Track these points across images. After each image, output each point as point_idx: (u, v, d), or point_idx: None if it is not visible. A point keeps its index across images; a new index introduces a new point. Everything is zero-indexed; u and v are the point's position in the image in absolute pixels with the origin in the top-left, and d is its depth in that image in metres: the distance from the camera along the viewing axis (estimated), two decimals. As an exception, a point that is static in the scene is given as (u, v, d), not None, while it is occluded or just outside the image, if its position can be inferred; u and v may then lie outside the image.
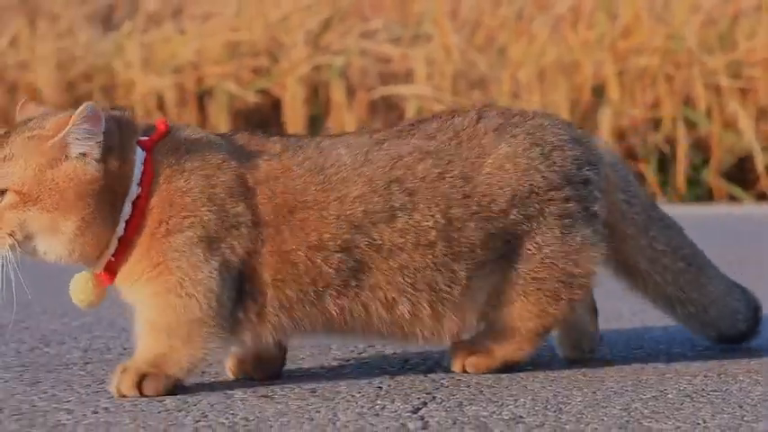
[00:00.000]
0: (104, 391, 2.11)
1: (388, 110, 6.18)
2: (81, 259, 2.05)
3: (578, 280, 2.15)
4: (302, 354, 2.35)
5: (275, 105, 6.22)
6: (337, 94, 6.03)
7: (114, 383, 2.07)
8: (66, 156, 2.00)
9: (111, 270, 2.06)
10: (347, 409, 1.95)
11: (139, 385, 2.05)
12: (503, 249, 2.11)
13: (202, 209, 2.02)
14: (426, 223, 2.08)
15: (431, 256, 2.08)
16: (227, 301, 2.02)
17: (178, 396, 2.06)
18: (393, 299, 2.09)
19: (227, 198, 2.02)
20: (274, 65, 6.18)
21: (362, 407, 1.97)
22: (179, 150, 2.05)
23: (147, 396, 2.04)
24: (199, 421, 1.90)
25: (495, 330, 2.17)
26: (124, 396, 2.04)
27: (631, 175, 2.28)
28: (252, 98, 6.04)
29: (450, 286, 2.09)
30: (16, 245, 2.01)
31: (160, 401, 2.02)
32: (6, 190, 2.00)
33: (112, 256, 2.04)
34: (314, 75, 6.13)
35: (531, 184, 2.12)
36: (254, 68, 6.20)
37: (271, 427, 1.85)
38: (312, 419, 1.88)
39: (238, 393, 2.08)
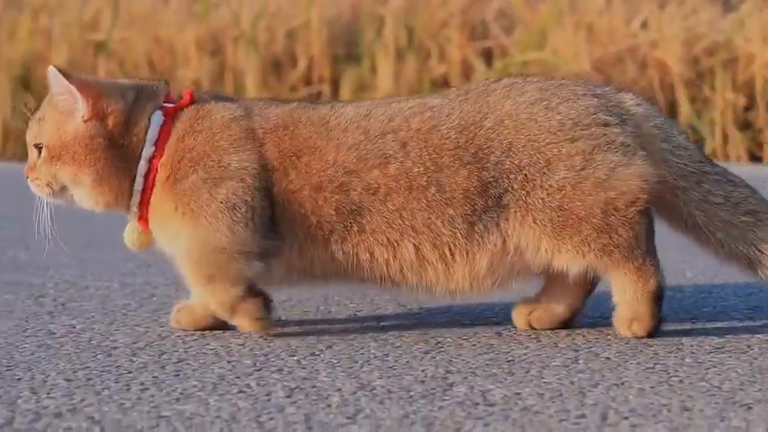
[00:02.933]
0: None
1: None
2: (107, 207, 2.15)
3: (619, 201, 2.03)
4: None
5: None
6: None
7: (170, 319, 2.22)
8: (68, 115, 2.12)
9: (143, 219, 2.15)
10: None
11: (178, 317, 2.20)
12: (503, 199, 2.06)
13: (204, 158, 2.09)
14: (416, 169, 2.07)
15: (424, 200, 2.07)
16: (247, 230, 2.07)
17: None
18: (395, 241, 2.08)
19: (230, 148, 2.09)
20: None
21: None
22: (196, 116, 2.13)
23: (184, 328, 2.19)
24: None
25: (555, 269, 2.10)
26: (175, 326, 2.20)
27: (675, 129, 2.15)
28: None
29: (451, 231, 2.07)
30: (52, 194, 2.13)
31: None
32: (42, 146, 2.12)
33: (137, 207, 2.13)
34: None
35: (527, 136, 2.06)
36: None
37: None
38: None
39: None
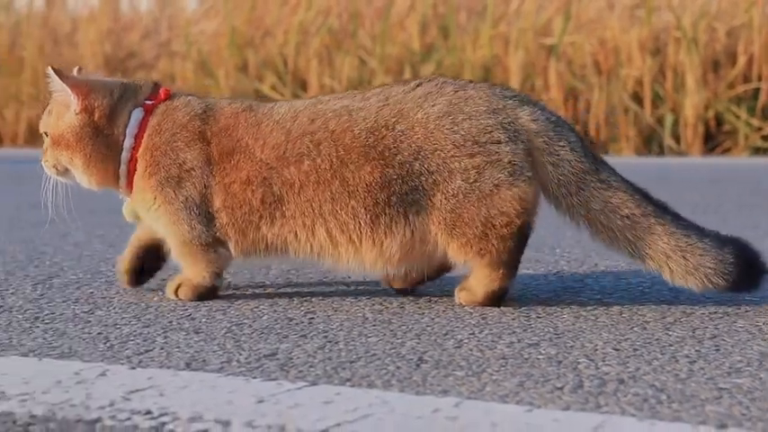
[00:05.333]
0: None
1: None
2: (100, 186, 2.35)
3: (498, 219, 2.15)
4: None
5: None
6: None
7: (166, 288, 2.35)
8: (66, 108, 2.31)
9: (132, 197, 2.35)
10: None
11: (176, 291, 2.32)
12: (410, 195, 2.18)
13: (165, 158, 2.27)
14: (324, 166, 2.21)
15: (329, 192, 2.20)
16: (201, 224, 2.26)
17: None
18: (311, 225, 2.23)
19: (185, 148, 2.27)
20: None
21: None
22: (165, 113, 2.31)
23: (181, 300, 2.31)
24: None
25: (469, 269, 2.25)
26: (175, 297, 2.33)
27: (563, 141, 2.18)
28: None
29: (352, 218, 2.20)
30: (57, 173, 2.34)
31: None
32: (47, 133, 2.34)
33: (125, 187, 2.32)
34: None
35: (435, 144, 2.17)
36: None
37: None
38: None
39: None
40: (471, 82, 2.27)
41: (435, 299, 2.33)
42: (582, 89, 7.30)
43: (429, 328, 2.05)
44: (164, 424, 1.49)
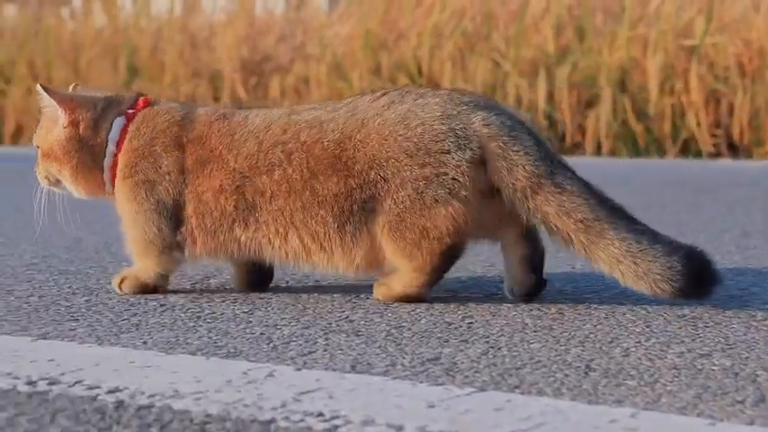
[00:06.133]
0: None
1: None
2: (89, 196, 2.44)
3: (433, 232, 2.21)
4: None
5: None
6: None
7: (112, 280, 2.44)
8: (54, 123, 2.41)
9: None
10: None
11: (120, 283, 2.40)
12: (369, 204, 2.23)
13: (143, 161, 2.35)
14: (296, 176, 2.26)
15: (300, 202, 2.26)
16: (167, 227, 2.34)
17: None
18: (284, 233, 2.28)
19: (163, 153, 2.34)
20: None
21: None
22: (145, 120, 2.38)
23: (125, 293, 2.39)
24: None
25: (395, 269, 2.30)
26: (118, 290, 2.41)
27: (518, 146, 2.19)
28: None
29: (322, 227, 2.26)
30: (49, 184, 2.44)
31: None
32: (39, 147, 2.43)
33: (112, 193, 2.41)
34: None
35: (388, 152, 2.21)
36: None
37: None
38: None
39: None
40: (436, 90, 2.32)
41: (594, 306, 2.28)
42: (724, 92, 7.13)
43: (592, 336, 2.01)
44: (336, 427, 1.48)
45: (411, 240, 2.22)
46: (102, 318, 2.15)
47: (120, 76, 10.78)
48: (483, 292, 2.44)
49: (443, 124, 2.21)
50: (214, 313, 2.21)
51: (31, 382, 1.66)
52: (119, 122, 2.40)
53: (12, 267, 2.76)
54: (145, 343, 1.94)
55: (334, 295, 2.41)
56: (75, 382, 1.66)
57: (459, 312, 2.22)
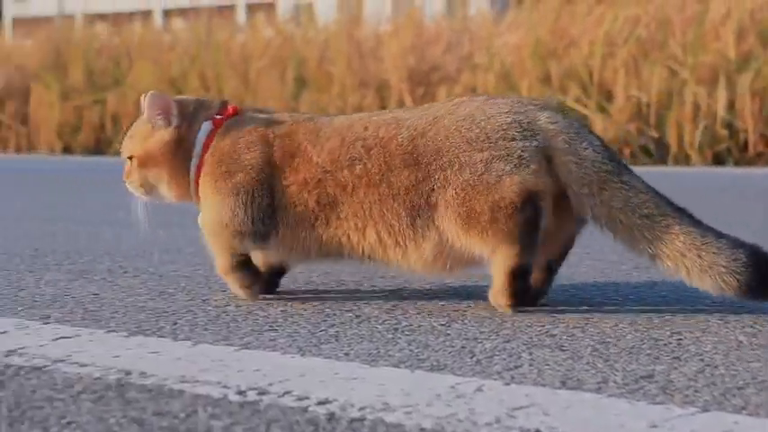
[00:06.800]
0: None
1: None
2: (180, 199, 2.52)
3: (502, 202, 2.24)
4: None
5: None
6: None
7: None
8: (152, 128, 2.49)
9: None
10: None
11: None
12: (432, 197, 2.30)
13: (228, 155, 2.42)
14: (374, 169, 2.34)
15: (377, 194, 2.33)
16: (249, 219, 2.40)
17: None
18: (363, 227, 2.35)
19: (246, 149, 2.42)
20: None
21: None
22: (232, 125, 2.47)
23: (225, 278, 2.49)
24: None
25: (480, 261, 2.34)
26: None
27: (585, 143, 2.25)
28: None
29: (397, 220, 2.32)
30: (144, 193, 2.52)
31: None
32: (132, 156, 2.50)
33: (195, 194, 2.48)
34: None
35: (451, 143, 2.30)
36: None
37: None
38: None
39: None
40: (502, 96, 2.44)
41: (811, 322, 2.18)
42: None
43: (815, 355, 1.92)
44: (557, 445, 1.44)
45: (486, 221, 2.25)
46: (300, 328, 2.16)
47: (287, 87, 10.98)
48: (690, 306, 2.37)
49: (509, 117, 2.30)
50: (411, 325, 2.20)
51: (240, 392, 1.67)
52: (206, 126, 2.49)
53: (205, 277, 2.82)
54: (347, 354, 1.93)
55: (532, 308, 2.37)
56: (284, 393, 1.67)
57: (666, 328, 2.15)
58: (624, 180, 2.24)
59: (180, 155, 2.48)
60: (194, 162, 2.48)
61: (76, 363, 1.85)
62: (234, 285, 2.50)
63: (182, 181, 2.49)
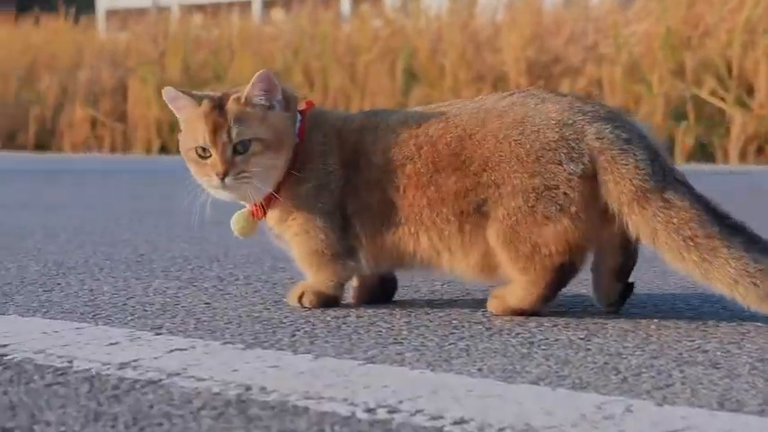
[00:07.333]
0: None
1: None
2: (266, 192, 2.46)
3: (544, 249, 2.31)
4: None
5: None
6: None
7: (287, 296, 2.55)
8: (259, 110, 2.43)
9: (257, 208, 2.50)
10: None
11: (300, 298, 2.49)
12: (483, 207, 2.35)
13: (310, 165, 2.45)
14: (423, 169, 2.38)
15: (426, 198, 2.37)
16: (336, 233, 2.43)
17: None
18: (416, 232, 2.40)
19: (328, 153, 2.45)
20: None
21: None
22: (311, 123, 2.48)
23: (305, 307, 2.49)
24: None
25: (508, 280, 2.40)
26: (298, 305, 2.51)
27: (630, 158, 2.27)
28: None
29: (445, 225, 2.37)
30: (243, 182, 2.42)
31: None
32: (252, 140, 2.41)
33: (275, 192, 2.46)
34: None
35: (501, 155, 2.33)
36: None
37: None
38: None
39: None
40: (560, 94, 2.41)
41: None
42: None
43: None
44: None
45: (524, 253, 2.32)
46: (427, 341, 2.16)
47: (396, 81, 11.00)
48: None
49: (557, 133, 2.31)
50: (547, 339, 2.18)
51: (369, 410, 1.67)
52: (299, 120, 2.50)
53: (320, 284, 2.83)
54: (480, 370, 1.92)
55: (679, 321, 2.33)
56: (416, 411, 1.66)
57: (831, 345, 2.10)
58: (666, 197, 2.25)
59: (290, 144, 2.47)
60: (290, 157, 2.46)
61: (193, 376, 1.87)
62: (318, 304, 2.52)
63: (282, 172, 2.47)
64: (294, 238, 2.48)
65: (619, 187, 2.27)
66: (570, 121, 2.32)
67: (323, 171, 2.45)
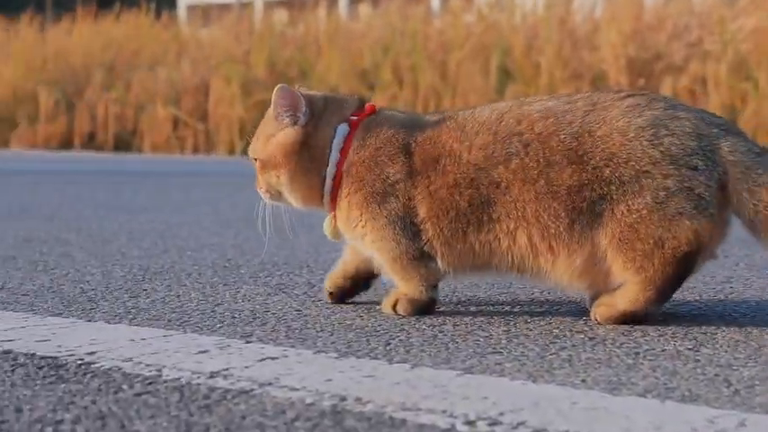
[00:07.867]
0: None
1: None
2: (305, 204, 2.57)
3: (669, 242, 2.32)
4: None
5: None
6: None
7: (382, 304, 2.57)
8: (277, 127, 2.54)
9: (335, 214, 2.56)
10: None
11: (394, 306, 2.52)
12: (599, 205, 2.36)
13: (369, 173, 2.48)
14: (531, 164, 2.40)
15: (534, 192, 2.38)
16: (408, 239, 2.46)
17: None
18: (514, 230, 2.40)
19: (389, 162, 2.48)
20: None
21: None
22: (370, 129, 2.52)
23: (400, 315, 2.52)
24: None
25: (616, 284, 2.40)
26: (392, 312, 2.54)
27: (761, 170, 2.34)
28: None
29: (554, 221, 2.37)
30: (270, 197, 2.60)
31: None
32: (256, 159, 2.59)
33: (329, 204, 2.55)
34: None
35: (629, 154, 2.35)
36: None
37: None
38: None
39: None
40: (685, 104, 2.46)
41: None
42: None
43: None
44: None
45: (642, 251, 2.34)
46: (528, 351, 2.16)
47: (490, 79, 10.99)
48: None
49: (693, 141, 2.36)
50: (654, 350, 2.17)
51: (469, 422, 1.68)
52: (343, 129, 2.53)
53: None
54: (584, 381, 1.92)
55: (793, 332, 2.31)
56: (518, 424, 1.66)
57: None
58: None
59: (306, 157, 2.54)
60: (330, 171, 2.53)
61: (286, 386, 1.89)
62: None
63: (308, 186, 2.55)
64: (372, 247, 2.52)
65: (756, 196, 2.34)
66: (705, 132, 2.37)
67: (379, 180, 2.48)
